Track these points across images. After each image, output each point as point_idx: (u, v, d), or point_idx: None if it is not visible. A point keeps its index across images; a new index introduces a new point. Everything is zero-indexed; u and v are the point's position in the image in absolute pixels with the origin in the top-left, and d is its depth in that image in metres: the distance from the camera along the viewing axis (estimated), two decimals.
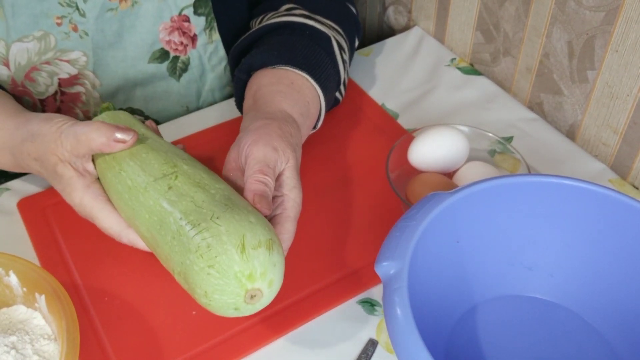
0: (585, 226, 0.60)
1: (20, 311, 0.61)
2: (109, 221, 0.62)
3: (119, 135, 0.60)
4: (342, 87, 0.81)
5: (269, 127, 0.63)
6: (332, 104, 0.79)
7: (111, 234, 0.63)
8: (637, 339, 0.58)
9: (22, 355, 0.56)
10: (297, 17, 0.77)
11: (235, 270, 0.51)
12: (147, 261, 0.64)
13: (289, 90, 0.70)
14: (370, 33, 1.14)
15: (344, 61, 0.78)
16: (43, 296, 0.59)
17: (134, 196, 0.59)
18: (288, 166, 0.61)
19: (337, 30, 0.79)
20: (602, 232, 0.59)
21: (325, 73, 0.74)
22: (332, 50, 0.76)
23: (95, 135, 0.60)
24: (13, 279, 0.60)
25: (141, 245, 0.62)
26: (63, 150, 0.61)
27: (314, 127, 0.75)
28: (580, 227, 0.60)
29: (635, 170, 0.76)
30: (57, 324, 0.57)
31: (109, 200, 0.63)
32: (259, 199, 0.57)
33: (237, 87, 0.76)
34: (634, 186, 0.76)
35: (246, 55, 0.76)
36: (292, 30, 0.76)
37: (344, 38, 0.80)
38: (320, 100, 0.73)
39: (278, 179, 0.61)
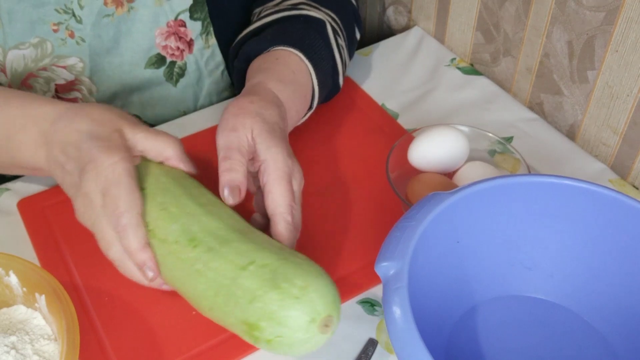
0: (585, 226, 0.60)
1: (20, 311, 0.61)
2: (129, 199, 0.56)
3: (185, 165, 0.62)
4: (340, 69, 0.79)
5: (225, 112, 0.63)
6: (330, 87, 0.78)
7: (121, 211, 0.55)
8: (637, 339, 0.58)
9: (22, 355, 0.56)
10: (294, 10, 0.78)
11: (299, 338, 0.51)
12: None
13: (270, 66, 0.71)
14: (370, 33, 1.14)
15: (339, 45, 0.78)
16: (43, 296, 0.59)
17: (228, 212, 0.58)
18: (255, 133, 0.61)
19: (333, 18, 0.80)
20: (601, 233, 0.59)
21: (318, 53, 0.74)
22: (326, 33, 0.76)
23: (171, 145, 0.61)
24: (13, 279, 0.60)
25: (131, 236, 0.56)
26: (129, 130, 0.59)
27: (310, 108, 0.75)
28: (580, 227, 0.60)
29: (635, 171, 0.76)
30: (57, 324, 0.57)
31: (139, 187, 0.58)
32: (227, 192, 0.58)
33: (237, 78, 0.77)
34: (634, 186, 0.76)
35: None
36: (288, 19, 0.77)
37: (339, 25, 0.80)
38: (311, 76, 0.73)
39: (253, 149, 0.61)
